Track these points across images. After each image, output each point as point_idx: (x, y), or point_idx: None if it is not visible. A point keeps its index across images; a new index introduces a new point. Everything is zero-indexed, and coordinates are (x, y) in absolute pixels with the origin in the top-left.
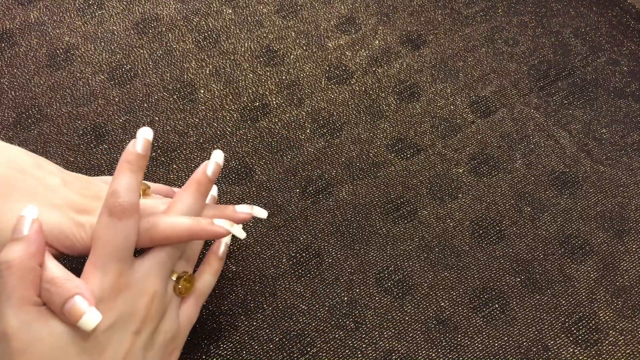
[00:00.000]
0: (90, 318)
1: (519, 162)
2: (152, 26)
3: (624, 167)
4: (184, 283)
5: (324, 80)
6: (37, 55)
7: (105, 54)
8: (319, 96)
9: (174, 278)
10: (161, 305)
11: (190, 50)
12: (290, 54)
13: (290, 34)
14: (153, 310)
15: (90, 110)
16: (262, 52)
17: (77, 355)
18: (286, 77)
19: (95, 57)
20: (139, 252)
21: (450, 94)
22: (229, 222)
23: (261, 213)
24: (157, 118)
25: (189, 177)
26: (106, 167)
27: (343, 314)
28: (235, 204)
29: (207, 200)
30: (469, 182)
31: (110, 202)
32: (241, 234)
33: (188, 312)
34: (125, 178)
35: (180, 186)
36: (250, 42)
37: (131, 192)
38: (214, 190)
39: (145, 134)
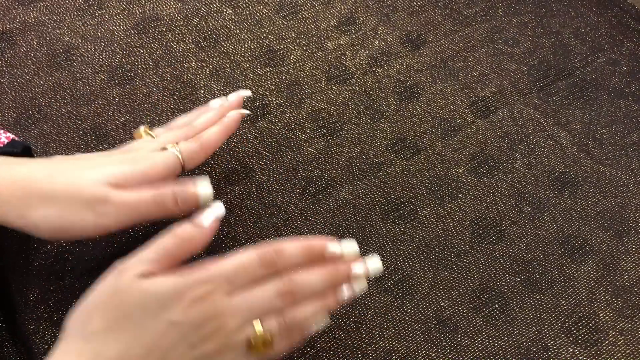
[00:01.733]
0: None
1: (519, 162)
2: (152, 26)
3: (624, 167)
4: (256, 339)
5: (324, 80)
6: (37, 56)
7: (105, 54)
8: (319, 96)
9: (256, 328)
10: (227, 342)
11: (190, 51)
12: (290, 54)
13: (290, 34)
14: (215, 340)
15: (90, 111)
16: (262, 52)
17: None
18: (286, 77)
19: (95, 57)
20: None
21: (450, 94)
22: None
23: None
24: (157, 118)
25: (189, 177)
26: None
27: (343, 314)
28: (235, 204)
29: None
30: (469, 182)
31: (269, 251)
32: None
33: None
34: (297, 251)
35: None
36: (250, 42)
37: (289, 262)
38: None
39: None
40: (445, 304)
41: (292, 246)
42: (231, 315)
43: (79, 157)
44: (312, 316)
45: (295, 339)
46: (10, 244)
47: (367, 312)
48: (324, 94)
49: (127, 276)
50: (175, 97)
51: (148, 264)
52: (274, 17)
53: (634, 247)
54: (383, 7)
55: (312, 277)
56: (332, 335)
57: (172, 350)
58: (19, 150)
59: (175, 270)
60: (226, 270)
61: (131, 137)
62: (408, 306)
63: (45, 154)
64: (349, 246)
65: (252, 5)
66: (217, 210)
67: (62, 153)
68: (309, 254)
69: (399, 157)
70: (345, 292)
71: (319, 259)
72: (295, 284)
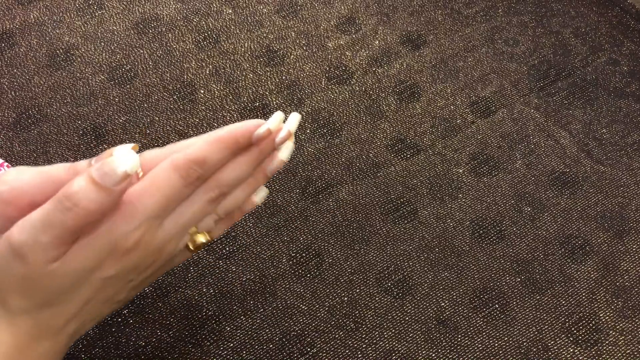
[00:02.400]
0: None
1: (519, 162)
2: (152, 26)
3: (624, 167)
4: (195, 243)
5: (324, 80)
6: (37, 55)
7: (105, 54)
8: (319, 96)
9: (190, 232)
10: (164, 256)
11: (190, 50)
12: (290, 54)
13: (290, 34)
14: (154, 265)
15: (90, 110)
16: (262, 52)
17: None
18: (286, 77)
19: (95, 57)
20: None
21: (450, 94)
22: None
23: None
24: (157, 118)
25: None
26: None
27: (343, 314)
28: None
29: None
30: (469, 182)
31: (186, 158)
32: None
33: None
34: (218, 153)
35: None
36: (250, 42)
37: (213, 169)
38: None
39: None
40: (445, 304)
41: (214, 150)
42: (167, 242)
43: None
44: (246, 198)
45: (234, 220)
46: None
47: (367, 312)
48: (324, 94)
49: (34, 264)
50: (175, 97)
51: (50, 251)
52: (274, 17)
53: (634, 247)
54: (383, 7)
55: (240, 168)
56: (332, 335)
57: (113, 293)
58: None
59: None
60: (151, 209)
61: (131, 137)
62: (408, 306)
63: (46, 153)
64: (274, 120)
65: (252, 5)
66: (126, 160)
67: (62, 153)
68: (235, 149)
69: (399, 157)
70: (274, 164)
71: (246, 146)
72: (225, 185)
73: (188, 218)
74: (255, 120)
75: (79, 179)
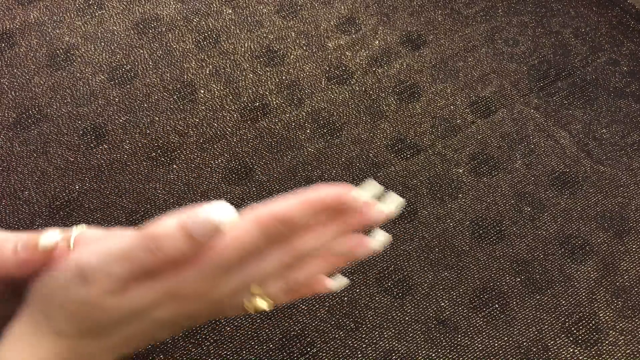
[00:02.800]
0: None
1: (519, 162)
2: (152, 26)
3: (624, 167)
4: (255, 307)
5: (324, 80)
6: (37, 56)
7: (105, 54)
8: (319, 96)
9: (252, 291)
10: (217, 311)
11: (190, 51)
12: (290, 54)
13: (290, 34)
14: (206, 315)
15: (90, 110)
16: (262, 52)
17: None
18: (286, 77)
19: (95, 57)
20: None
21: (450, 94)
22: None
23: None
24: (157, 118)
25: (189, 177)
26: (106, 167)
27: (343, 314)
28: (235, 204)
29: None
30: (469, 182)
31: (270, 213)
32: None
33: None
34: (303, 213)
35: (179, 187)
36: (250, 42)
37: (295, 229)
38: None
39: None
40: (445, 304)
41: (300, 210)
42: (227, 296)
43: None
44: (320, 274)
45: (301, 295)
46: None
47: (367, 312)
48: (324, 94)
49: (95, 291)
50: (175, 97)
51: (117, 283)
52: (274, 17)
53: (634, 247)
54: (383, 7)
55: (322, 237)
56: (332, 335)
57: (158, 333)
58: None
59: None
60: (225, 259)
61: (131, 137)
62: (408, 306)
63: (46, 153)
64: (368, 191)
65: (252, 5)
66: (222, 212)
67: (62, 153)
68: (322, 212)
69: (399, 157)
70: (361, 249)
71: (333, 213)
72: (302, 250)
73: (255, 276)
74: (349, 186)
75: (169, 222)
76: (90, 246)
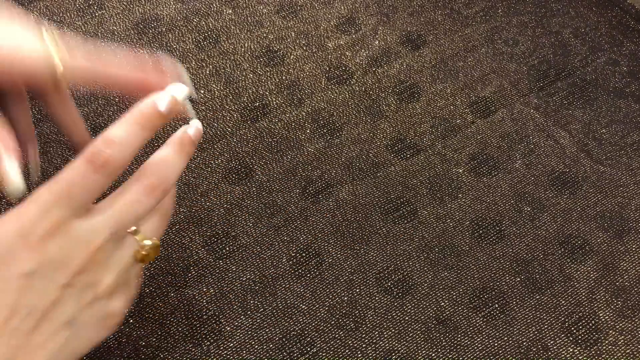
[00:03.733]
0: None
1: (519, 162)
2: (152, 26)
3: (624, 167)
4: (149, 250)
5: (324, 80)
6: None
7: None
8: (319, 96)
9: (137, 238)
10: (106, 263)
11: (190, 51)
12: (290, 54)
13: (290, 34)
14: (93, 264)
15: (90, 110)
16: (262, 52)
17: None
18: (286, 77)
19: None
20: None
21: (450, 94)
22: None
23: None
24: None
25: (188, 177)
26: None
27: (343, 313)
28: (235, 204)
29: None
30: (469, 182)
31: (95, 147)
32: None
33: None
34: (127, 129)
35: (179, 186)
36: (250, 42)
37: (126, 148)
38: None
39: (177, 92)
40: (445, 304)
41: (120, 129)
42: (95, 236)
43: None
44: (175, 173)
45: (168, 211)
46: None
47: (367, 312)
48: (324, 94)
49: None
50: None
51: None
52: (274, 17)
53: (634, 247)
54: (383, 7)
55: (165, 152)
56: (332, 335)
57: (49, 302)
58: None
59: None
60: (56, 194)
61: None
62: (408, 306)
63: (46, 154)
64: (178, 90)
65: (252, 5)
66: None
67: (62, 153)
68: (143, 125)
69: (399, 157)
70: (189, 131)
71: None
72: (157, 169)
73: (118, 209)
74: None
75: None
76: None
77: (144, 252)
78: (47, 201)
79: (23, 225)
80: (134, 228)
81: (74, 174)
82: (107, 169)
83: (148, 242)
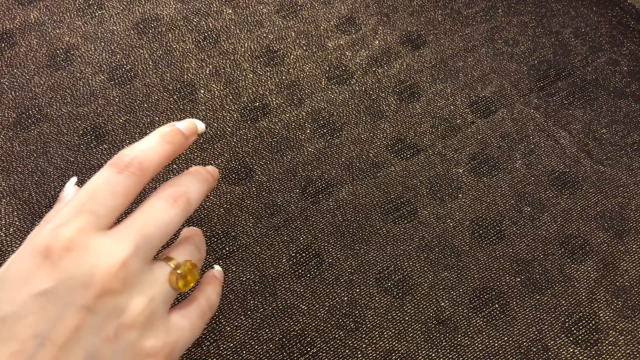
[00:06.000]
0: None
1: (519, 162)
2: (152, 26)
3: (624, 167)
4: (185, 271)
5: (324, 80)
6: (37, 56)
7: (105, 54)
8: (319, 96)
9: (171, 265)
10: (134, 284)
11: (190, 51)
12: (290, 54)
13: (290, 34)
14: (118, 284)
15: (90, 111)
16: (262, 52)
17: None
18: (286, 77)
19: (95, 57)
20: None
21: (450, 94)
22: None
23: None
24: (157, 118)
25: None
26: None
27: (343, 314)
28: (235, 204)
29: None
30: (469, 182)
31: (119, 154)
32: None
33: (183, 322)
34: (149, 139)
35: None
36: (250, 42)
37: (149, 152)
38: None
39: (194, 122)
40: (445, 304)
41: (142, 140)
42: (121, 250)
43: None
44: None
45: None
46: None
47: (367, 312)
48: (324, 94)
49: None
50: (175, 97)
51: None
52: (274, 17)
53: (634, 247)
54: (383, 7)
55: (187, 171)
56: (332, 335)
57: (66, 330)
58: None
59: None
60: (78, 200)
61: (131, 137)
62: (408, 306)
63: (46, 154)
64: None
65: (252, 5)
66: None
67: (62, 153)
68: (164, 136)
69: (399, 157)
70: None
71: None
72: (178, 181)
73: (141, 220)
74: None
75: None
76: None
77: (179, 272)
78: (68, 212)
79: (40, 240)
80: (166, 257)
81: (97, 178)
82: (130, 169)
83: (188, 267)
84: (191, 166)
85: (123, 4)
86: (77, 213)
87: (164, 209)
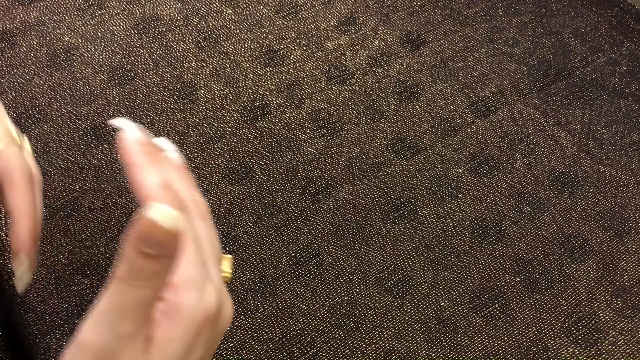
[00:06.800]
0: None
1: (519, 162)
2: (152, 26)
3: (624, 167)
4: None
5: (324, 80)
6: (37, 56)
7: (105, 54)
8: (319, 96)
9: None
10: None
11: (190, 51)
12: (290, 54)
13: (290, 34)
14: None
15: (91, 110)
16: (262, 52)
17: None
18: (286, 77)
19: (95, 57)
20: None
21: (450, 94)
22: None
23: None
24: (157, 118)
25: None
26: (106, 167)
27: (343, 313)
28: (235, 204)
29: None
30: (469, 182)
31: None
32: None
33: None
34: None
35: None
36: (250, 42)
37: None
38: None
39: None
40: (445, 304)
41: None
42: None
43: None
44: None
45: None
46: None
47: (367, 312)
48: (324, 94)
49: None
50: (175, 97)
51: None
52: (274, 17)
53: (634, 247)
54: (383, 7)
55: (186, 189)
56: (332, 335)
57: None
58: None
59: None
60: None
61: None
62: (408, 306)
63: (46, 154)
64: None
65: (252, 5)
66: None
67: (62, 153)
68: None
69: (399, 157)
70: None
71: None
72: (199, 205)
73: (213, 247)
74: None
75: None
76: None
77: (228, 271)
78: (195, 272)
79: (193, 314)
80: None
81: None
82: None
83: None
84: (191, 166)
85: (123, 4)
86: (196, 274)
87: (209, 230)
